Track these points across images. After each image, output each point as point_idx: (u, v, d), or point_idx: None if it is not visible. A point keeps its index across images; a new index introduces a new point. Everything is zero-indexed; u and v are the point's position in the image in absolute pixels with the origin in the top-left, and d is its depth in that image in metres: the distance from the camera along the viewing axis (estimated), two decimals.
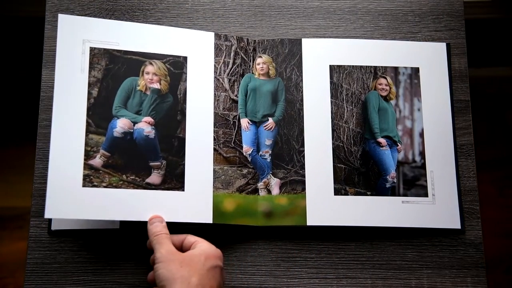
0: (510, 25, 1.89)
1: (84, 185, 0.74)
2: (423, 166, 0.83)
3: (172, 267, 0.66)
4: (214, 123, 0.81)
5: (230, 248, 0.79)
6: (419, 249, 0.81)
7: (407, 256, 0.81)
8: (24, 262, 0.78)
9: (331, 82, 0.84)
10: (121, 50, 0.80)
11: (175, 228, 0.74)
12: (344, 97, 0.84)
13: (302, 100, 0.83)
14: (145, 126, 0.79)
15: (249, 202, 0.79)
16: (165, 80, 0.81)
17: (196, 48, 0.82)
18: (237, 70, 0.84)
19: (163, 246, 0.69)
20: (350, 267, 0.80)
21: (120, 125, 0.78)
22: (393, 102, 0.85)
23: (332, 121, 0.83)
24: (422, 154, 0.83)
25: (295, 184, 0.81)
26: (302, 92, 0.83)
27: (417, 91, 0.85)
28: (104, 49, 0.79)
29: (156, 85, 0.80)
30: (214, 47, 0.83)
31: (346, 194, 0.81)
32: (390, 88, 0.85)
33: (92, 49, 0.78)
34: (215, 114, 0.81)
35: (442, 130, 0.84)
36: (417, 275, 0.80)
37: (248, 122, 0.83)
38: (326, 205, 0.80)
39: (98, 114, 0.77)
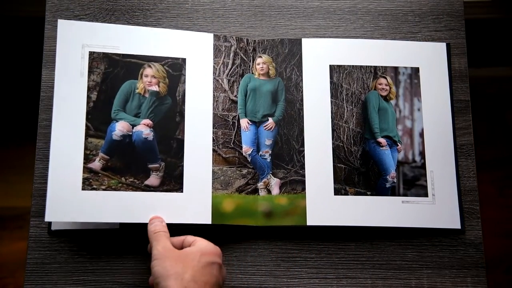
0: (510, 25, 1.88)
1: (83, 188, 0.75)
2: (423, 166, 0.83)
3: (167, 263, 0.66)
4: (213, 124, 0.81)
5: (230, 248, 0.79)
6: (419, 249, 0.81)
7: (407, 256, 0.81)
8: (24, 262, 0.78)
9: (331, 82, 0.84)
10: (120, 54, 0.80)
11: (175, 229, 0.74)
12: (344, 97, 0.84)
13: (302, 100, 0.83)
14: (143, 129, 0.79)
15: (249, 202, 0.79)
16: (164, 82, 0.81)
17: (195, 49, 0.82)
18: (236, 71, 0.84)
19: (160, 243, 0.69)
20: (350, 267, 0.80)
21: (119, 128, 0.78)
22: (393, 102, 0.85)
23: (332, 121, 0.83)
24: (422, 154, 0.83)
25: (295, 184, 0.81)
26: (302, 92, 0.83)
27: (417, 91, 0.85)
28: (103, 53, 0.80)
29: (155, 88, 0.81)
30: (213, 48, 0.83)
31: (346, 194, 0.81)
32: (390, 88, 0.85)
33: (91, 54, 0.79)
34: (214, 115, 0.81)
35: (442, 130, 0.84)
36: (417, 275, 0.80)
37: (248, 122, 0.83)
38: (326, 205, 0.80)
39: (97, 117, 0.78)
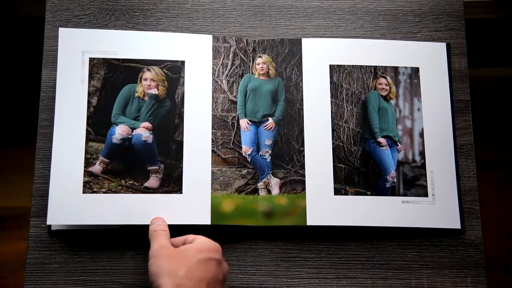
0: (510, 25, 1.89)
1: (84, 192, 0.76)
2: (423, 166, 0.83)
3: (161, 261, 0.65)
4: (212, 125, 0.81)
5: (230, 248, 0.79)
6: (419, 249, 0.81)
7: (407, 256, 0.81)
8: (24, 262, 0.78)
9: (331, 82, 0.84)
10: (119, 59, 0.81)
11: (176, 230, 0.74)
12: (344, 97, 0.84)
13: (302, 100, 0.83)
14: (143, 132, 0.80)
15: (249, 202, 0.79)
16: (163, 85, 0.81)
17: (194, 51, 0.83)
18: (236, 71, 0.84)
19: (157, 241, 0.69)
20: (350, 267, 0.80)
21: (119, 131, 0.79)
22: (393, 102, 0.85)
23: (332, 121, 0.83)
24: (422, 154, 0.83)
25: (295, 184, 0.81)
26: (302, 92, 0.83)
27: (417, 91, 0.85)
28: (103, 58, 0.81)
29: (154, 91, 0.81)
30: (212, 49, 0.83)
31: (346, 194, 0.81)
32: (390, 88, 0.85)
33: (91, 60, 0.80)
34: (213, 116, 0.82)
35: (442, 130, 0.84)
36: (417, 275, 0.80)
37: (248, 123, 0.83)
38: (326, 205, 0.80)
39: (98, 122, 0.79)
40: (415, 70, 0.86)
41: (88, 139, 0.78)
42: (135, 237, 0.78)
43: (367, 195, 0.81)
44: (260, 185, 0.81)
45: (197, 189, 0.78)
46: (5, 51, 1.85)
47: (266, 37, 0.87)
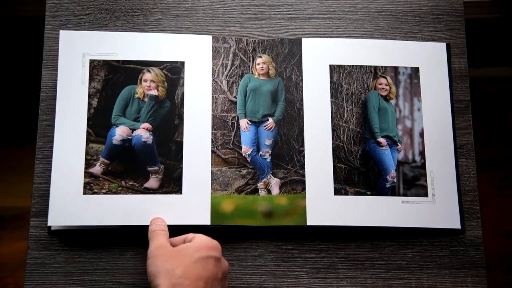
0: (510, 25, 1.88)
1: (84, 193, 0.77)
2: (423, 166, 0.83)
3: (159, 261, 0.65)
4: (212, 125, 0.81)
5: (230, 248, 0.79)
6: (419, 249, 0.81)
7: (407, 256, 0.81)
8: (24, 262, 0.78)
9: (331, 82, 0.84)
10: (119, 60, 0.82)
11: (176, 231, 0.74)
12: (344, 97, 0.84)
13: (302, 100, 0.83)
14: (143, 133, 0.80)
15: (249, 203, 0.79)
16: (163, 86, 0.82)
17: (194, 52, 0.83)
18: (235, 72, 0.84)
19: (155, 241, 0.69)
20: (350, 267, 0.80)
21: (119, 132, 0.80)
22: (393, 102, 0.85)
23: (332, 121, 0.83)
24: (422, 154, 0.83)
25: (295, 184, 0.81)
26: (302, 92, 0.83)
27: (417, 91, 0.85)
28: (103, 60, 0.81)
29: (154, 92, 0.81)
30: (212, 50, 0.84)
31: (346, 194, 0.81)
32: (390, 87, 0.85)
33: (91, 62, 0.81)
34: (213, 116, 0.82)
35: (442, 130, 0.84)
36: (417, 275, 0.80)
37: (248, 123, 0.83)
38: (326, 205, 0.80)
39: (98, 123, 0.80)
40: (415, 70, 0.86)
41: (88, 141, 0.79)
42: (135, 237, 0.78)
43: (367, 195, 0.81)
44: (260, 185, 0.81)
45: (197, 189, 0.78)
46: (5, 51, 1.85)
47: (266, 37, 0.87)
